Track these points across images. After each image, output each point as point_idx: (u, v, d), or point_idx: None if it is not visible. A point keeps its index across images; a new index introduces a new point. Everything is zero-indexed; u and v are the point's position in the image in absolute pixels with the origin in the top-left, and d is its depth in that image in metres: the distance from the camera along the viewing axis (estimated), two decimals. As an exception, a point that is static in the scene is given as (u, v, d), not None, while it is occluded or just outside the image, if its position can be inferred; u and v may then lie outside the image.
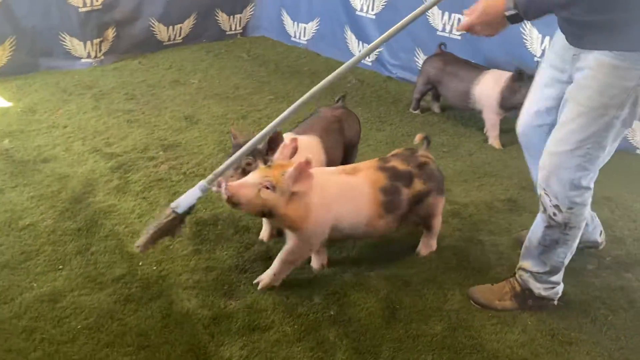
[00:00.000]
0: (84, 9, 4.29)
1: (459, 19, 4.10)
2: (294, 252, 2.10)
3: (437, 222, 2.39)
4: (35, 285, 2.10)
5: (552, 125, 1.94)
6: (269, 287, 2.14)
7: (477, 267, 2.38)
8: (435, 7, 4.21)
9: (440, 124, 3.79)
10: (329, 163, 2.47)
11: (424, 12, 1.96)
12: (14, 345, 1.83)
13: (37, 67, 4.25)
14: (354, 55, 4.87)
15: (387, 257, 2.40)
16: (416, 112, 3.96)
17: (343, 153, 2.66)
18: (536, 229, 2.03)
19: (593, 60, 1.71)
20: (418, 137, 2.41)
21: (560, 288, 2.13)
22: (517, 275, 2.15)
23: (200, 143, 3.31)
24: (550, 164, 1.86)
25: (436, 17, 4.24)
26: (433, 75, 3.78)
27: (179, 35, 5.07)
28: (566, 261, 2.05)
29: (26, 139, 3.18)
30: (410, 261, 2.39)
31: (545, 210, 1.94)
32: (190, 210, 2.05)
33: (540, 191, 1.94)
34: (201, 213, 2.60)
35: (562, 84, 1.89)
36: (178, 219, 2.02)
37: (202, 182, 2.02)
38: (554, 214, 1.91)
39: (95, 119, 3.50)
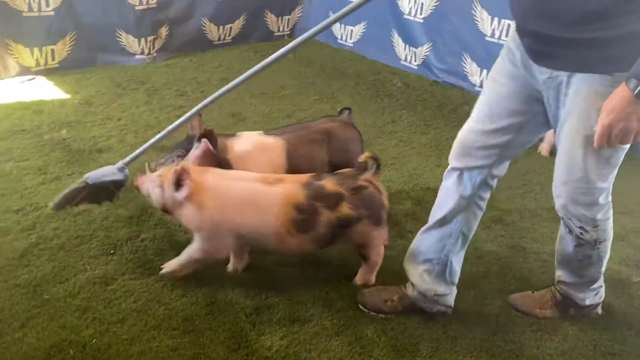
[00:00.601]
0: (140, 7, 4.45)
1: (509, 25, 4.06)
2: (197, 251, 2.07)
3: (375, 255, 2.16)
4: (88, 267, 2.21)
5: (501, 148, 1.85)
6: (174, 278, 2.14)
7: (519, 275, 2.36)
8: (485, 12, 4.19)
9: (486, 130, 3.76)
10: (296, 172, 2.23)
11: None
12: (67, 322, 1.94)
13: (94, 62, 4.43)
14: (400, 59, 4.92)
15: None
16: None
17: (330, 170, 2.41)
18: (565, 245, 1.97)
19: (586, 90, 1.55)
20: (363, 157, 2.12)
21: (602, 291, 2.09)
22: (557, 286, 2.12)
23: (246, 140, 3.38)
24: (566, 191, 1.77)
25: (485, 23, 4.21)
26: None
27: (229, 35, 5.19)
28: (603, 269, 2.00)
29: (82, 130, 3.33)
30: (450, 264, 2.39)
31: (571, 231, 1.88)
32: (111, 185, 2.27)
33: (561, 215, 1.87)
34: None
35: (526, 99, 1.76)
36: (86, 189, 2.24)
37: (120, 162, 2.29)
38: (581, 234, 1.86)
39: (148, 113, 3.63)
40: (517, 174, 3.21)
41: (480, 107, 1.90)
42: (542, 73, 1.65)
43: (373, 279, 2.21)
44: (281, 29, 5.56)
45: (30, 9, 4.00)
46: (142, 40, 4.55)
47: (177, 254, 2.30)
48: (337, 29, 5.43)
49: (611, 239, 1.94)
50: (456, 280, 2.05)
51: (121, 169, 2.30)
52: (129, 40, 4.52)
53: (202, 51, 4.99)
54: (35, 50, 4.12)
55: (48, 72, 4.21)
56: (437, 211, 1.99)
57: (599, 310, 2.13)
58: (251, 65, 4.92)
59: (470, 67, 4.40)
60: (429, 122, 3.82)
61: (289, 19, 5.57)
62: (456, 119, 3.91)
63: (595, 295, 2.07)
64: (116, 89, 4.01)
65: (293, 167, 2.32)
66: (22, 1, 3.94)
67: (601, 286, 2.08)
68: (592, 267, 1.97)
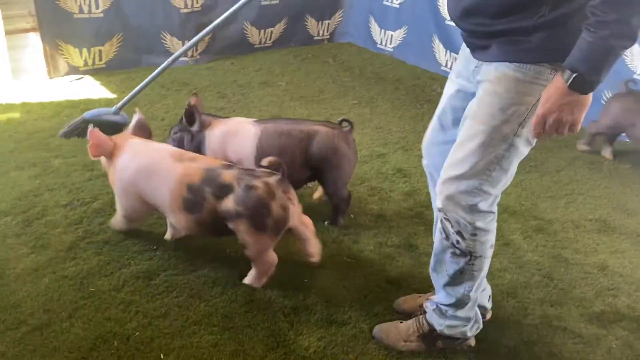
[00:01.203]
0: (185, 10, 4.56)
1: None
2: (118, 208, 2.36)
3: (259, 260, 2.12)
4: (132, 262, 2.27)
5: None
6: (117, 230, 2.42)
7: (560, 286, 2.32)
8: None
9: (527, 138, 3.70)
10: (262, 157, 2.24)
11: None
12: (112, 315, 1.99)
13: (139, 63, 4.56)
14: (440, 65, 4.89)
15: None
16: (586, 148, 3.54)
17: (309, 171, 2.50)
18: (438, 254, 1.78)
19: (494, 73, 1.51)
20: (266, 161, 2.13)
21: (468, 329, 1.87)
22: (423, 309, 1.94)
23: (285, 142, 3.42)
24: (448, 188, 1.63)
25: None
26: (622, 117, 3.28)
27: (269, 39, 5.25)
28: (473, 295, 1.78)
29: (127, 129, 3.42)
30: (489, 273, 2.35)
31: (448, 237, 1.69)
32: (110, 125, 2.75)
33: (439, 216, 1.70)
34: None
35: (468, 97, 1.66)
36: (84, 123, 2.77)
37: (114, 107, 2.88)
38: (457, 242, 1.67)
39: (190, 114, 3.71)
40: (559, 184, 3.15)
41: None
42: (472, 63, 1.61)
43: (258, 284, 2.16)
44: (321, 33, 5.60)
45: (81, 11, 4.14)
46: (186, 42, 4.65)
47: (218, 251, 2.36)
48: (377, 33, 5.44)
49: (489, 259, 1.76)
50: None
51: (116, 112, 2.87)
52: (173, 43, 4.62)
53: (243, 54, 5.07)
54: (84, 50, 4.27)
55: (95, 72, 4.36)
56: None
57: (471, 343, 1.94)
58: (291, 68, 5.02)
59: (512, 74, 4.33)
60: (469, 129, 3.78)
61: (329, 23, 5.60)
62: (497, 126, 3.86)
63: (455, 329, 1.86)
64: (160, 89, 4.11)
65: (264, 156, 2.27)
66: (74, 3, 4.09)
67: (469, 321, 1.86)
68: (462, 286, 1.76)
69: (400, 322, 1.96)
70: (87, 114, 2.87)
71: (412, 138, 3.59)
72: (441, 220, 1.70)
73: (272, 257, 2.14)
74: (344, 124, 2.58)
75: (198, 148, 2.49)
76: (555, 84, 1.37)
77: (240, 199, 2.01)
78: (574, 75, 1.31)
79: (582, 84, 1.32)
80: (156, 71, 2.88)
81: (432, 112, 3.24)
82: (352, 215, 2.70)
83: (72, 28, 4.15)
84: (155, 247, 2.37)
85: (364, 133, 3.63)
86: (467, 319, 1.85)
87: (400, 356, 1.91)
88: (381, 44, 5.43)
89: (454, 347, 1.92)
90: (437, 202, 1.69)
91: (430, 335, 1.89)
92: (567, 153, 3.52)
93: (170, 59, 2.86)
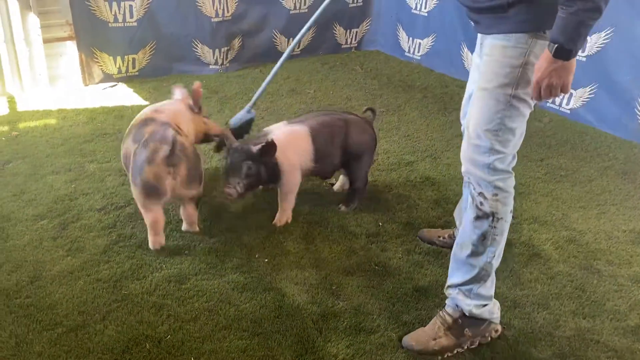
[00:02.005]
0: (216, 19, 4.63)
1: (587, 40, 3.93)
2: None
3: (141, 212, 2.40)
4: (164, 266, 2.31)
5: None
6: None
7: (593, 297, 2.28)
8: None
9: (559, 147, 3.65)
10: (320, 158, 2.61)
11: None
12: (144, 318, 2.03)
13: (170, 71, 4.65)
14: (469, 73, 4.85)
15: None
16: None
17: (342, 158, 2.70)
18: (464, 230, 1.93)
19: (488, 45, 1.79)
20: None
21: (494, 308, 1.98)
22: (446, 301, 2.03)
23: (313, 149, 3.44)
24: (467, 150, 1.87)
25: (560, 37, 4.10)
26: None
27: (298, 47, 5.30)
28: (495, 263, 1.91)
29: (159, 135, 3.49)
30: (519, 283, 2.34)
31: (473, 200, 1.88)
32: (247, 123, 2.96)
33: (465, 180, 1.94)
34: (311, 216, 2.72)
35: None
36: (233, 131, 2.83)
37: (247, 106, 2.97)
38: (481, 203, 1.85)
39: (221, 121, 3.74)
40: (591, 194, 3.10)
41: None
42: (480, 41, 1.92)
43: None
44: (349, 41, 5.62)
45: (116, 20, 4.25)
46: (216, 51, 4.73)
47: (247, 256, 2.39)
48: (404, 41, 5.44)
49: (509, 224, 1.90)
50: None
51: (248, 111, 2.98)
52: (204, 51, 4.70)
53: (272, 62, 5.10)
54: (118, 58, 4.38)
55: (128, 80, 4.46)
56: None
57: (498, 329, 2.01)
58: (319, 76, 5.05)
59: (543, 83, 4.28)
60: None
61: (356, 32, 5.62)
62: (526, 135, 3.78)
63: (483, 307, 1.95)
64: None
65: (319, 150, 2.62)
66: (109, 12, 4.20)
67: (491, 300, 1.97)
68: (485, 252, 1.89)
69: (424, 327, 2.02)
70: (231, 122, 3.00)
71: (440, 146, 3.58)
72: (467, 185, 1.91)
73: (151, 217, 2.33)
74: (368, 112, 2.86)
75: (275, 171, 2.52)
76: (543, 56, 1.62)
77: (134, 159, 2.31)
78: (555, 46, 1.57)
79: (562, 53, 1.58)
80: (274, 68, 3.01)
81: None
82: (380, 223, 2.70)
83: (107, 37, 4.26)
84: (186, 251, 2.41)
85: (392, 141, 3.63)
86: (490, 297, 1.97)
87: (429, 365, 1.90)
88: (409, 52, 5.42)
89: (482, 335, 1.97)
90: (462, 168, 1.92)
91: (456, 325, 1.96)
92: (599, 163, 3.46)
93: (284, 56, 3.05)
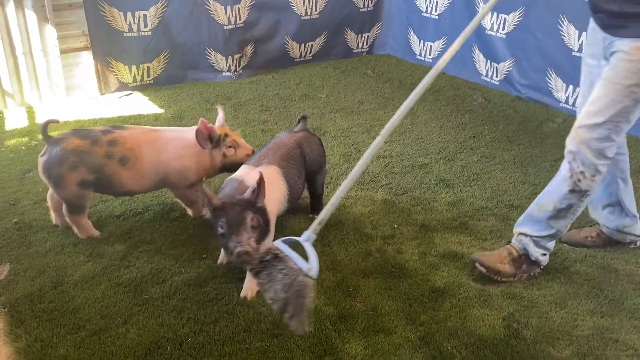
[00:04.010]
0: (229, 27, 4.69)
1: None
2: None
3: None
4: (183, 270, 2.35)
5: None
6: None
7: (611, 296, 2.27)
8: (572, 26, 4.08)
9: (572, 147, 3.64)
10: (292, 194, 2.36)
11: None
12: (165, 321, 2.07)
13: (184, 79, 4.72)
14: (481, 74, 4.87)
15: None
16: None
17: (305, 179, 2.53)
18: (553, 194, 2.21)
19: (628, 45, 1.96)
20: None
21: (547, 258, 2.38)
22: (515, 240, 2.37)
23: (327, 153, 3.46)
24: (583, 134, 2.08)
25: (572, 37, 4.10)
26: None
27: (310, 53, 5.35)
28: (565, 230, 2.28)
29: (175, 142, 3.54)
30: (536, 283, 2.34)
31: (571, 175, 2.13)
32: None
33: (569, 158, 2.13)
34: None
35: (599, 68, 2.17)
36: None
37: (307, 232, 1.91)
38: (579, 180, 2.11)
39: (235, 127, 3.80)
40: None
41: (581, 86, 2.39)
42: (604, 40, 2.09)
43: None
44: (360, 45, 5.66)
45: (131, 30, 4.33)
46: (229, 58, 4.79)
47: (265, 261, 2.41)
48: (416, 45, 5.46)
49: (590, 199, 2.21)
50: (634, 211, 2.49)
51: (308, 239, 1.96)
52: (217, 59, 4.76)
53: (284, 68, 5.18)
54: (133, 67, 4.45)
55: (144, 88, 4.53)
56: None
57: (539, 270, 2.38)
58: (331, 80, 5.09)
59: (555, 83, 4.28)
60: (512, 138, 3.75)
61: (368, 36, 5.66)
62: (540, 136, 3.81)
63: (544, 256, 2.35)
64: (205, 104, 4.24)
65: (291, 189, 2.40)
66: (124, 22, 4.27)
67: (550, 251, 2.36)
68: (566, 218, 2.23)
69: (493, 251, 2.40)
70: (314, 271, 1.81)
71: (453, 148, 3.59)
72: (569, 162, 2.13)
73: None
74: (301, 120, 2.74)
75: (266, 216, 2.08)
76: None
77: None
78: None
79: None
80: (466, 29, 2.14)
81: (473, 122, 3.22)
82: (395, 226, 2.71)
83: (122, 46, 4.34)
84: (204, 255, 2.44)
85: (405, 143, 3.65)
86: (551, 249, 2.37)
87: (447, 365, 1.91)
88: (420, 55, 5.44)
89: (530, 272, 2.35)
90: (568, 145, 2.13)
91: (519, 260, 2.34)
92: (614, 162, 3.44)
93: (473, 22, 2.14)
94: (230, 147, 2.57)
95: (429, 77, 2.05)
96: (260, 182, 2.02)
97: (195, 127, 2.51)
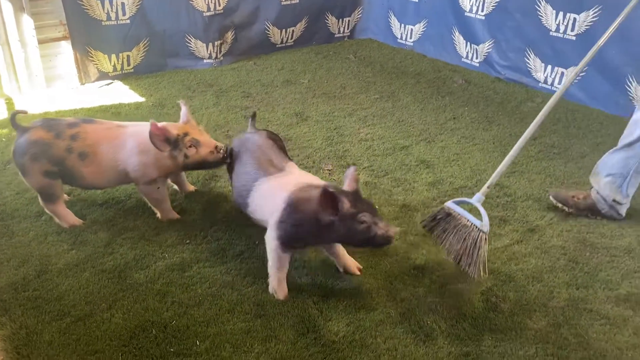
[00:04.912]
0: (208, 14, 4.67)
1: (574, 19, 3.97)
2: None
3: None
4: (166, 255, 2.37)
5: None
6: None
7: (586, 269, 2.33)
8: (549, 6, 4.11)
9: (551, 125, 3.70)
10: None
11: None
12: (150, 305, 2.09)
13: (165, 67, 4.69)
14: (461, 57, 4.90)
15: (490, 253, 2.42)
16: None
17: None
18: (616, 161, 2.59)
19: None
20: None
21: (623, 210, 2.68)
22: (592, 189, 2.69)
23: (309, 138, 3.49)
24: None
25: (549, 18, 4.14)
26: None
27: (291, 38, 5.34)
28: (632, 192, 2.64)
29: (157, 130, 3.54)
30: (514, 258, 2.39)
31: None
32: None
33: None
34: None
35: None
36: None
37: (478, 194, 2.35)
38: None
39: (216, 114, 3.81)
40: (584, 170, 3.15)
41: None
42: None
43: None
44: (341, 30, 5.66)
45: (109, 18, 4.29)
46: (210, 45, 4.77)
47: (247, 243, 2.44)
48: (397, 28, 5.47)
49: None
50: (631, 194, 2.62)
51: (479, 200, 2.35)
52: (197, 46, 4.74)
53: (266, 54, 5.17)
54: (113, 56, 4.42)
55: (124, 77, 4.50)
56: (626, 137, 2.59)
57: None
58: (313, 66, 5.08)
59: (534, 63, 4.33)
60: (492, 119, 3.80)
61: (349, 21, 5.65)
62: (519, 116, 3.86)
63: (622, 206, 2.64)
64: (187, 91, 4.23)
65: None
66: (102, 11, 4.23)
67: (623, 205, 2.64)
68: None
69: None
70: (484, 226, 2.19)
71: (434, 130, 3.63)
72: None
73: None
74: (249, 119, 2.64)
75: None
76: None
77: None
78: None
79: None
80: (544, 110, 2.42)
81: (454, 104, 3.26)
82: (377, 206, 2.74)
83: (100, 35, 4.30)
84: (187, 241, 2.47)
85: (387, 126, 3.68)
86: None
87: (427, 339, 1.95)
88: (401, 38, 5.45)
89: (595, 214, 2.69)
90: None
91: (588, 208, 2.69)
92: (591, 139, 3.51)
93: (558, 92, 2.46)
94: (190, 146, 2.40)
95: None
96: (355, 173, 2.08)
97: (162, 123, 2.41)
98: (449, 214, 2.30)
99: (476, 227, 2.18)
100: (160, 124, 2.38)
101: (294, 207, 2.02)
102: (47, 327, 1.98)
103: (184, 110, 2.53)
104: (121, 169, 2.46)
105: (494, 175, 2.37)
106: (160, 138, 2.37)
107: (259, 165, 2.27)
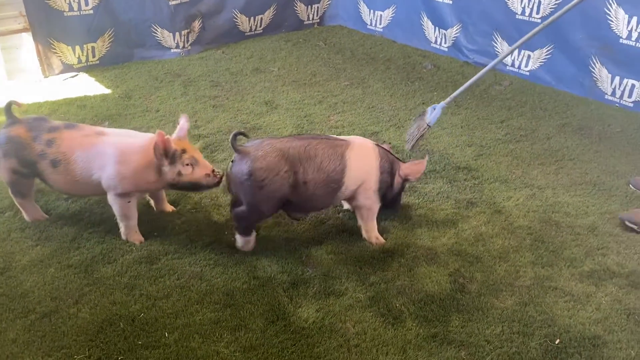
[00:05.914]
0: (174, 2, 4.59)
1: (539, 1, 4.01)
2: None
3: None
4: (134, 248, 2.34)
5: None
6: None
7: (551, 248, 2.38)
8: (515, -10, 4.14)
9: (518, 108, 3.74)
10: None
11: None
12: (117, 299, 2.07)
13: (131, 57, 4.60)
14: (430, 42, 4.91)
15: (455, 235, 2.44)
16: None
17: None
18: None
19: None
20: None
21: None
22: None
23: (279, 126, 3.48)
24: None
25: (515, 1, 4.17)
26: None
27: (260, 26, 5.28)
28: None
29: (124, 122, 3.48)
30: (481, 239, 2.43)
31: None
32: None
33: None
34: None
35: None
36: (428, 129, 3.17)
37: (442, 103, 3.16)
38: None
39: (184, 104, 3.76)
40: (550, 151, 3.20)
41: None
42: None
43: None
44: (311, 17, 5.62)
45: (71, 9, 4.18)
46: (177, 34, 4.69)
47: (217, 234, 2.43)
48: (366, 14, 5.46)
49: None
50: None
51: (442, 107, 3.19)
52: (164, 35, 4.66)
53: (234, 42, 5.11)
54: (77, 48, 4.32)
55: (89, 69, 4.41)
56: None
57: None
58: (282, 53, 5.03)
59: (502, 47, 4.36)
60: (460, 103, 3.83)
61: (318, 7, 5.62)
62: (487, 99, 3.90)
63: None
64: (154, 82, 4.16)
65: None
66: (63, 1, 4.12)
67: None
68: None
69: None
70: (431, 122, 3.13)
71: (403, 115, 3.64)
72: None
73: None
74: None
75: None
76: None
77: None
78: None
79: None
80: (485, 69, 3.20)
81: (423, 89, 3.27)
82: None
83: (63, 26, 4.19)
84: (155, 233, 2.44)
85: (357, 113, 3.68)
86: None
87: (395, 322, 1.97)
88: (371, 25, 5.45)
89: None
90: None
91: None
92: (557, 120, 3.56)
93: (498, 59, 3.25)
94: (188, 164, 2.24)
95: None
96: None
97: (150, 135, 2.31)
98: (422, 113, 3.18)
99: (424, 120, 3.10)
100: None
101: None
102: (11, 325, 1.94)
103: (183, 124, 2.33)
104: (95, 178, 2.31)
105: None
106: (161, 150, 2.20)
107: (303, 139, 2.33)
